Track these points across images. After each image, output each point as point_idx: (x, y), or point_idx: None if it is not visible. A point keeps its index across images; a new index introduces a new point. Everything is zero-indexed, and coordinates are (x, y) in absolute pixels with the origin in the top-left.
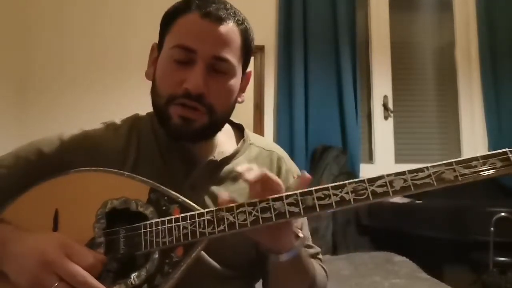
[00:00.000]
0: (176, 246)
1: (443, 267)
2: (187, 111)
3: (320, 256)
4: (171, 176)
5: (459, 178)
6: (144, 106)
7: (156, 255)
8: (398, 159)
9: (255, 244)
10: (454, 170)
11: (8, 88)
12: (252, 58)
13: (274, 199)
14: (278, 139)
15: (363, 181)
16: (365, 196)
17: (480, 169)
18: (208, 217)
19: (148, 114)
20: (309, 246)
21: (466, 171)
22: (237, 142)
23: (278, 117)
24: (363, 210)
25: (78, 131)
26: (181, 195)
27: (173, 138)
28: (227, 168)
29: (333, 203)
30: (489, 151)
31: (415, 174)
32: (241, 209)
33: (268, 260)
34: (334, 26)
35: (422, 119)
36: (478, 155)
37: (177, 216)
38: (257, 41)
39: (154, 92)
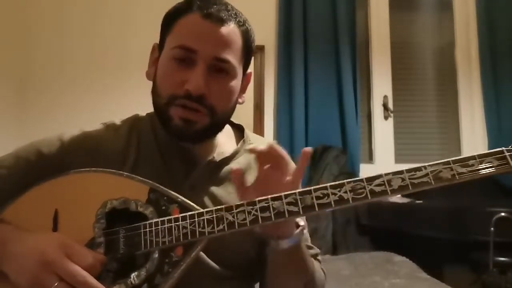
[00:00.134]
0: (176, 245)
1: (443, 267)
2: (188, 113)
3: (320, 257)
4: (171, 176)
5: (457, 177)
6: (144, 106)
7: (156, 255)
8: (398, 159)
9: (255, 244)
10: (452, 169)
11: (8, 88)
12: (252, 58)
13: (273, 199)
14: (278, 139)
15: (361, 180)
16: (363, 195)
17: (477, 168)
18: (208, 217)
19: (148, 114)
20: (308, 247)
21: (464, 170)
22: (237, 142)
23: (278, 117)
24: (363, 210)
25: (78, 131)
26: (180, 195)
27: (174, 138)
28: (227, 168)
29: (332, 202)
30: None
31: (413, 173)
32: (240, 208)
33: (267, 251)
34: (334, 26)
35: (422, 119)
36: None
37: (176, 216)
38: (257, 41)
39: (154, 92)
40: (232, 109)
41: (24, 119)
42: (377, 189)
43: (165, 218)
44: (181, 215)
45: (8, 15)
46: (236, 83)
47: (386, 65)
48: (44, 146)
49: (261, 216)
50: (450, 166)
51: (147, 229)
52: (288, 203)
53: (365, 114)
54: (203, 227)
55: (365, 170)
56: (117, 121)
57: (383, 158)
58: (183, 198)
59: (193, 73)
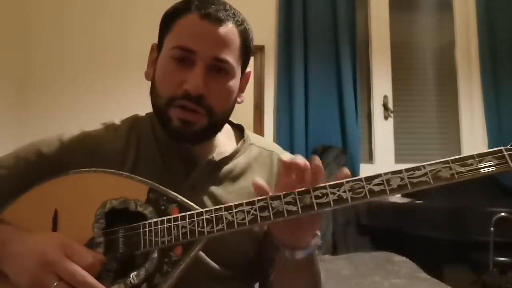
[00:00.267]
0: (175, 245)
1: (443, 267)
2: (187, 114)
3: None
4: (170, 176)
5: (456, 176)
6: (144, 106)
7: (155, 255)
8: (398, 159)
9: (254, 244)
10: (450, 168)
11: (8, 88)
12: (252, 58)
13: (272, 198)
14: (278, 139)
15: (360, 179)
16: (362, 194)
17: (476, 167)
18: (207, 216)
19: (147, 114)
20: None
21: (462, 169)
22: (237, 142)
23: (278, 117)
24: (363, 210)
25: (77, 131)
26: (180, 195)
27: (173, 139)
28: (227, 168)
29: (331, 202)
30: None
31: (412, 172)
32: (239, 208)
33: (278, 257)
34: (334, 26)
35: (422, 119)
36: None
37: (176, 215)
38: (257, 41)
39: (153, 93)
40: (231, 109)
41: (24, 119)
42: (376, 188)
43: (165, 218)
44: (181, 214)
45: (8, 15)
46: (235, 83)
47: (386, 65)
48: (44, 146)
49: (260, 216)
50: (449, 165)
51: (147, 229)
52: (287, 203)
53: (365, 114)
54: (202, 227)
55: (365, 170)
56: (117, 121)
57: (383, 158)
58: (182, 198)
59: (192, 73)
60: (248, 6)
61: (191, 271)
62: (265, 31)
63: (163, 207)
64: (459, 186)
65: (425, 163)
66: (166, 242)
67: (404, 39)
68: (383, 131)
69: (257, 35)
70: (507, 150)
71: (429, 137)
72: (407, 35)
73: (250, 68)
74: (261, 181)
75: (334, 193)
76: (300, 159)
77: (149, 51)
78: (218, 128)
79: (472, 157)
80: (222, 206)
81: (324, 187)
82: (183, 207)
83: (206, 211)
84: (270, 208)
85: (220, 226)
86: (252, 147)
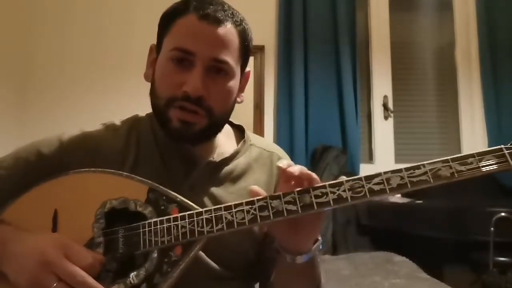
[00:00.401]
0: (175, 245)
1: (443, 267)
2: (186, 115)
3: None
4: (170, 177)
5: (455, 175)
6: (144, 107)
7: (155, 255)
8: (398, 159)
9: (254, 244)
10: (450, 167)
11: (8, 88)
12: (252, 58)
13: (272, 197)
14: (278, 139)
15: (360, 179)
16: (362, 193)
17: (476, 166)
18: (207, 216)
19: (147, 114)
20: None
21: (462, 168)
22: (237, 143)
23: (278, 117)
24: (363, 210)
25: (77, 132)
26: (180, 195)
27: (173, 140)
28: (227, 169)
29: (331, 201)
30: None
31: (411, 171)
32: (239, 208)
33: (278, 261)
34: (334, 26)
35: (422, 119)
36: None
37: (175, 215)
38: (257, 41)
39: (153, 94)
40: (231, 109)
41: (24, 119)
42: (376, 187)
43: (164, 218)
44: (180, 214)
45: (9, 15)
46: (234, 83)
47: (386, 65)
48: (44, 146)
49: (259, 215)
50: (449, 164)
51: (146, 229)
52: (287, 202)
53: (365, 114)
54: (202, 227)
55: (365, 170)
56: (117, 122)
57: (383, 158)
58: (182, 198)
59: (191, 74)
60: (248, 6)
61: (191, 271)
62: (265, 31)
63: (162, 207)
64: (459, 186)
65: (425, 162)
66: (166, 242)
67: (404, 39)
68: (383, 131)
69: (257, 35)
70: (507, 148)
71: (429, 137)
72: (407, 35)
73: (250, 68)
74: (257, 187)
75: (333, 193)
76: (295, 169)
77: (148, 52)
78: (218, 129)
79: (472, 155)
80: (222, 206)
81: (324, 187)
82: (182, 207)
83: (205, 211)
84: (270, 208)
85: (219, 226)
86: (252, 148)
